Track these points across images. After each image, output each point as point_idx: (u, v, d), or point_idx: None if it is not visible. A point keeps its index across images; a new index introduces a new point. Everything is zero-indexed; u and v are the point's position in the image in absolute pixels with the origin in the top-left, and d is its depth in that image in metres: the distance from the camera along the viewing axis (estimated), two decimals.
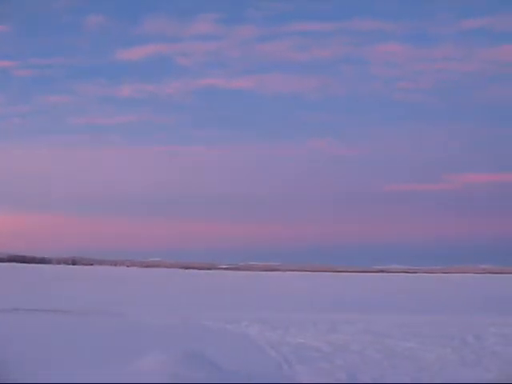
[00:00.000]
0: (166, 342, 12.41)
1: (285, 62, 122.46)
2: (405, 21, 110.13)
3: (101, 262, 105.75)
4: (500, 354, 12.23)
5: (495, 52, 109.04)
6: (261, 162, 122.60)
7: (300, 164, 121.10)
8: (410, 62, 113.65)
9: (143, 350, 9.15)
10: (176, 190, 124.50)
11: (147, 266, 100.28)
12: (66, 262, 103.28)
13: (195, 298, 30.25)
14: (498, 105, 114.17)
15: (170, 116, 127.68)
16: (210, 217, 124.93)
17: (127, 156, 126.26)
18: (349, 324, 16.85)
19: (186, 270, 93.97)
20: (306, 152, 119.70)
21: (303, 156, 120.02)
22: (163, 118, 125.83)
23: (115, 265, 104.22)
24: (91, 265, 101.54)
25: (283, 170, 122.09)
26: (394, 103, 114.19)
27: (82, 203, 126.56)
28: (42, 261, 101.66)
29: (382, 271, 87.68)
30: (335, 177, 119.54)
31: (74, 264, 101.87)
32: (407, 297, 34.16)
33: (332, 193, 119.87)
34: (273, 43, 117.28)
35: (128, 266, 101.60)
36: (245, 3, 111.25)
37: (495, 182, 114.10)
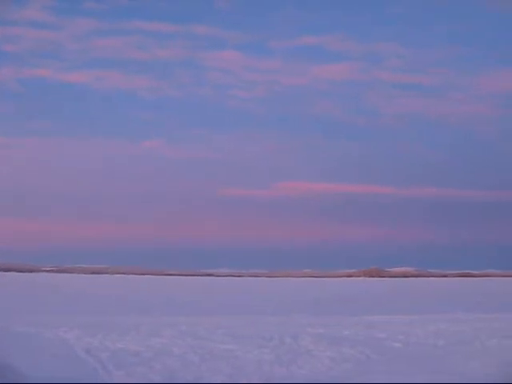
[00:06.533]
0: None
1: (122, 59, 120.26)
2: (245, 31, 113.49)
3: None
4: (313, 351, 12.91)
5: (327, 69, 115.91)
6: (93, 159, 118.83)
7: (132, 163, 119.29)
8: (244, 71, 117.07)
9: None
10: None
11: None
12: None
13: (12, 302, 28.42)
14: (326, 119, 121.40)
15: None
16: (31, 215, 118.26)
17: None
18: (172, 327, 16.80)
19: (5, 273, 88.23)
20: (138, 152, 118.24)
21: (136, 156, 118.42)
22: None
23: None
24: None
25: (116, 169, 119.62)
26: (226, 109, 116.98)
27: None
28: None
29: (210, 275, 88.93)
30: (169, 179, 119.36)
31: None
32: (231, 299, 34.92)
33: (166, 195, 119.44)
34: (111, 39, 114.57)
35: None
36: None
37: (320, 190, 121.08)
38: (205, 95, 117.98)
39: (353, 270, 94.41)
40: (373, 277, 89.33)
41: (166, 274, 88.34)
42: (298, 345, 13.90)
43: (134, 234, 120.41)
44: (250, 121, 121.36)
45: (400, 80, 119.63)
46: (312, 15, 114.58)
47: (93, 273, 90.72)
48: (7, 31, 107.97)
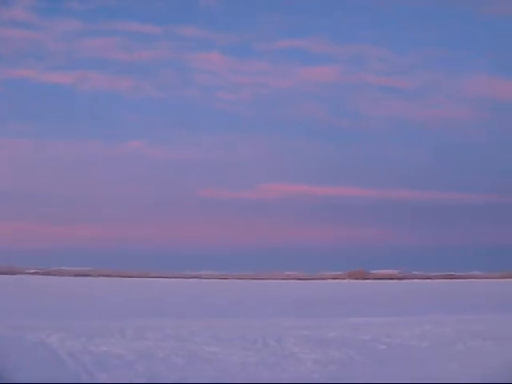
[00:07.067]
0: None
1: (106, 60, 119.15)
2: (231, 33, 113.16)
3: None
4: (297, 353, 12.91)
5: (311, 71, 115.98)
6: (78, 160, 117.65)
7: (117, 165, 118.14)
8: (230, 73, 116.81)
9: None
10: None
11: None
12: None
13: None
14: (312, 121, 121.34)
15: None
16: (16, 216, 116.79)
17: None
18: (157, 330, 16.73)
19: None
20: (122, 153, 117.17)
21: (120, 157, 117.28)
22: None
23: None
24: None
25: (101, 170, 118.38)
26: (212, 111, 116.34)
27: None
28: None
29: (195, 277, 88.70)
30: (154, 180, 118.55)
31: None
32: (215, 301, 34.87)
33: (150, 196, 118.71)
34: (95, 40, 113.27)
35: None
36: None
37: (304, 192, 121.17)
38: (191, 97, 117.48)
39: (338, 272, 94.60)
40: (357, 279, 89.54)
41: (150, 277, 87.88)
42: (283, 347, 13.90)
43: (118, 236, 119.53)
44: (237, 123, 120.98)
45: (386, 82, 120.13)
46: (298, 17, 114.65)
47: (77, 275, 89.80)
48: None
